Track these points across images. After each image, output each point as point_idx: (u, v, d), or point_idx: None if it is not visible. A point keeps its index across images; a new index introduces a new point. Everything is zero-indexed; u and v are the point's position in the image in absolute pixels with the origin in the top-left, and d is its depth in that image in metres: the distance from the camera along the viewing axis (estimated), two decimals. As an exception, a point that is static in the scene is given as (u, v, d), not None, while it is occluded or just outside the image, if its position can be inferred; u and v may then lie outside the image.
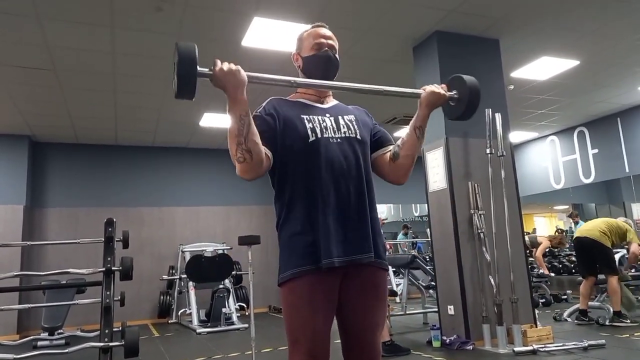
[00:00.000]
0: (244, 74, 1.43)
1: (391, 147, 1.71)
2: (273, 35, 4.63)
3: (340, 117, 1.64)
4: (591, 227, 5.43)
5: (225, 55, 5.00)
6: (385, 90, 1.68)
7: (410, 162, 1.66)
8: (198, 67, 1.37)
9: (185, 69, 1.34)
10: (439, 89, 1.67)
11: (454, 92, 1.67)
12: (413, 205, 11.58)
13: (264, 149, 1.48)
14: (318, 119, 1.60)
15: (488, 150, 4.55)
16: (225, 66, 1.42)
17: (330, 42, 1.70)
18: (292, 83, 1.56)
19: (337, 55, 1.71)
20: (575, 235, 5.63)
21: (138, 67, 5.22)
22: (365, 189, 1.58)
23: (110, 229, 3.96)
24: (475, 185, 4.58)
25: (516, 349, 3.98)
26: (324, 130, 1.57)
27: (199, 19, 4.32)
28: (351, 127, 1.63)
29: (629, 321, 5.05)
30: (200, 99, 7.21)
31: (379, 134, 1.74)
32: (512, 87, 6.31)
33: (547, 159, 9.30)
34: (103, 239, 3.95)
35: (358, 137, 1.62)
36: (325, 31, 1.72)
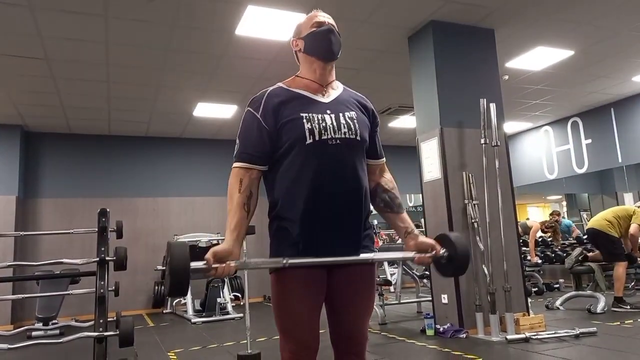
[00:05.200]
0: (233, 269, 1.43)
1: (381, 162, 1.74)
2: (267, 24, 4.59)
3: (341, 115, 1.57)
4: (598, 218, 5.58)
5: (219, 44, 4.98)
6: (376, 258, 1.62)
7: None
8: (190, 270, 1.32)
9: (178, 280, 1.30)
10: (429, 254, 1.61)
11: (444, 251, 1.61)
12: (407, 195, 11.59)
13: (256, 169, 1.53)
14: (318, 117, 1.53)
15: (482, 141, 4.56)
16: (219, 271, 1.39)
17: (330, 20, 1.65)
18: (284, 264, 1.47)
19: (339, 33, 1.65)
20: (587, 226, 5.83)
21: (131, 57, 5.18)
22: (361, 192, 1.56)
23: (103, 219, 3.94)
24: (470, 175, 4.59)
25: (509, 337, 4.02)
26: (323, 132, 1.51)
27: (192, 8, 4.27)
28: (352, 126, 1.57)
29: (628, 307, 5.13)
30: (194, 89, 7.15)
31: (375, 144, 1.71)
32: (506, 77, 6.31)
33: (540, 149, 9.34)
34: (96, 229, 3.93)
35: (358, 137, 1.57)
36: (324, 13, 1.67)
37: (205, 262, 1.37)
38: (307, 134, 1.50)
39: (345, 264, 1.54)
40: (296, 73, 1.68)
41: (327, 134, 1.52)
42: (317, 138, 1.50)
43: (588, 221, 6.12)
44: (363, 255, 1.55)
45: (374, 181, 1.71)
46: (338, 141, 1.52)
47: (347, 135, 1.54)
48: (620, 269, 5.26)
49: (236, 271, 1.41)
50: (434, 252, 1.60)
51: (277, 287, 1.53)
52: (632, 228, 5.39)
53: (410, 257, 1.63)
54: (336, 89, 1.67)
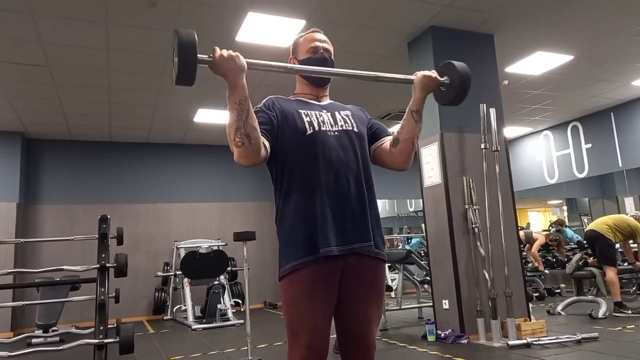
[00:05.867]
0: (243, 59, 1.47)
1: (388, 138, 1.75)
2: (267, 31, 4.60)
3: (336, 112, 1.69)
4: (598, 222, 5.62)
5: (220, 50, 4.98)
6: (378, 76, 1.72)
7: (410, 146, 1.68)
8: (198, 54, 1.39)
9: (186, 55, 1.36)
10: (431, 72, 1.70)
11: (445, 77, 1.72)
12: (408, 200, 11.60)
13: (262, 138, 1.50)
14: (315, 113, 1.64)
15: (482, 145, 4.56)
16: (225, 52, 1.45)
17: (325, 45, 1.75)
18: (288, 69, 1.61)
19: (332, 58, 1.75)
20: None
21: (132, 63, 5.19)
22: (363, 179, 1.61)
23: (104, 226, 3.94)
24: (470, 180, 4.59)
25: (510, 342, 4.00)
26: (322, 124, 1.62)
27: (193, 14, 4.29)
28: (348, 121, 1.67)
29: (630, 312, 5.12)
30: (194, 94, 7.17)
31: (375, 126, 1.78)
32: (506, 82, 6.32)
33: (541, 154, 9.34)
34: (97, 236, 3.93)
35: (355, 129, 1.66)
36: (321, 36, 1.76)
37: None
38: (307, 125, 1.59)
39: (357, 265, 1.54)
40: (294, 92, 1.79)
41: (326, 127, 1.62)
42: (316, 129, 1.60)
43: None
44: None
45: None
46: (336, 132, 1.62)
47: (344, 128, 1.65)
48: (611, 273, 5.28)
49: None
50: (434, 76, 1.69)
51: (289, 292, 1.52)
52: None
53: (410, 78, 1.70)
54: (330, 100, 1.79)
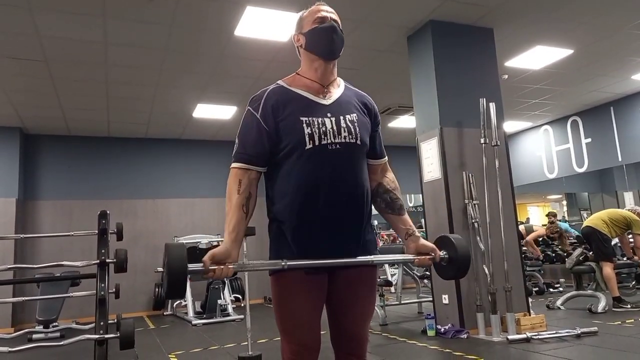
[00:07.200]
0: (232, 269, 1.41)
1: (380, 162, 1.69)
2: (266, 25, 4.59)
3: (342, 118, 1.53)
4: (594, 218, 5.65)
5: (218, 45, 4.97)
6: (377, 260, 1.60)
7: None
8: (188, 267, 1.33)
9: (176, 276, 1.30)
10: (430, 257, 1.61)
11: (444, 253, 1.63)
12: (407, 195, 11.58)
13: (255, 181, 1.52)
14: (318, 121, 1.50)
15: (482, 140, 4.55)
16: (217, 273, 1.38)
17: (332, 16, 1.62)
18: (282, 266, 1.44)
19: (341, 29, 1.61)
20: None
21: (130, 57, 5.17)
22: (361, 195, 1.54)
23: (103, 221, 3.93)
24: (470, 175, 4.59)
25: (510, 337, 4.01)
26: (323, 137, 1.48)
27: (192, 9, 4.27)
28: (352, 131, 1.53)
29: (629, 306, 5.13)
30: (194, 89, 7.13)
31: (376, 144, 1.67)
32: (506, 76, 6.31)
33: (540, 149, 9.34)
34: (97, 231, 3.93)
35: (358, 142, 1.53)
36: (327, 7, 1.62)
37: (203, 264, 1.36)
38: (307, 139, 1.47)
39: (346, 267, 1.53)
40: (297, 70, 1.65)
41: (327, 139, 1.49)
42: (316, 143, 1.48)
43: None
44: (362, 257, 1.53)
45: (376, 181, 1.67)
46: (338, 146, 1.50)
47: (347, 140, 1.51)
48: (607, 269, 5.32)
49: (235, 273, 1.39)
50: (434, 255, 1.60)
51: (278, 288, 1.52)
52: (638, 240, 5.51)
53: (410, 259, 1.63)
54: (338, 88, 1.63)
